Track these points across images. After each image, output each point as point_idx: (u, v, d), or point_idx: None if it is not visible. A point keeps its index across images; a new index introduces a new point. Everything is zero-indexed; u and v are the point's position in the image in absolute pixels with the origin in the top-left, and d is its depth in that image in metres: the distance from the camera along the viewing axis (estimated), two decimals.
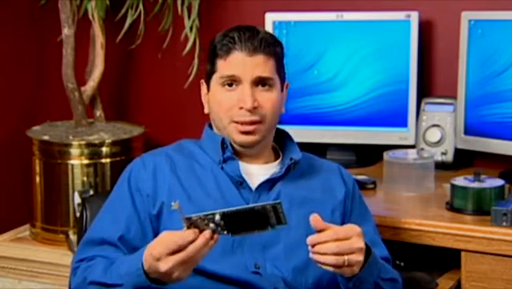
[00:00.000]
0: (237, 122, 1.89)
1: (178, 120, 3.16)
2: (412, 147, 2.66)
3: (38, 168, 2.84)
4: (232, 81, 1.90)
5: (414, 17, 2.70)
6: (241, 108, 1.88)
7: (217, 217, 1.62)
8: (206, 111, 1.98)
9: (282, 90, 1.96)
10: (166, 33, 3.00)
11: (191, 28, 2.91)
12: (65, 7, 2.86)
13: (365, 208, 2.03)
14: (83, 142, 2.80)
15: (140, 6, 2.98)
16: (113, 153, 2.81)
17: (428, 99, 2.75)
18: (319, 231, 1.68)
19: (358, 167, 2.72)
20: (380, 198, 2.45)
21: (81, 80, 2.95)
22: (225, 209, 1.63)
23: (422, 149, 2.61)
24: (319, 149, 2.75)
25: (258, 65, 1.88)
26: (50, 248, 2.80)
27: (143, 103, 3.24)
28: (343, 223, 1.92)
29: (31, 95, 3.29)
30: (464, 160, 2.72)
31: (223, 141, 1.91)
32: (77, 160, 2.79)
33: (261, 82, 1.90)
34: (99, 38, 2.93)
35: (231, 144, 1.91)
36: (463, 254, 2.17)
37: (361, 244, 1.71)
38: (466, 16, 2.60)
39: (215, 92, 1.93)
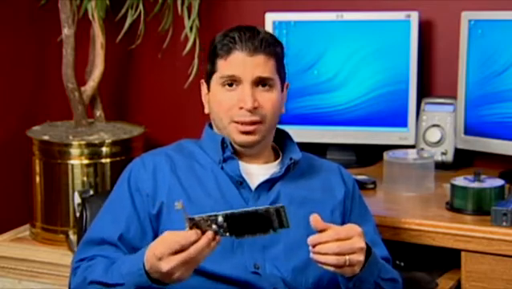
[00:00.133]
0: (237, 122, 1.89)
1: (178, 120, 3.16)
2: (412, 147, 2.66)
3: (38, 168, 2.84)
4: (232, 81, 1.90)
5: (414, 17, 2.70)
6: (241, 108, 1.88)
7: (220, 218, 1.62)
8: (206, 111, 1.98)
9: (282, 90, 1.96)
10: (166, 33, 3.00)
11: (191, 28, 2.91)
12: (65, 7, 2.86)
13: (365, 208, 2.03)
14: (83, 142, 2.80)
15: (140, 6, 2.98)
16: (113, 153, 2.81)
17: (428, 99, 2.75)
18: (320, 231, 1.68)
19: (358, 167, 2.72)
20: (380, 198, 2.45)
21: (81, 80, 2.95)
22: (228, 211, 1.63)
23: (422, 149, 2.61)
24: (319, 149, 2.75)
25: (258, 65, 1.88)
26: (50, 248, 2.80)
27: (143, 103, 3.24)
28: (343, 223, 1.92)
29: (31, 95, 3.29)
30: (464, 160, 2.72)
31: (223, 141, 1.91)
32: (77, 160, 2.79)
33: (261, 82, 1.90)
34: (99, 38, 2.93)
35: (231, 144, 1.91)
36: (463, 254, 2.17)
37: (362, 244, 1.71)
38: (466, 16, 2.60)
39: (215, 92, 1.93)
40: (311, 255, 1.68)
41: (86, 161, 2.79)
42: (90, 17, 2.92)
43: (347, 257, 1.67)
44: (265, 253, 1.84)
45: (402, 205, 2.39)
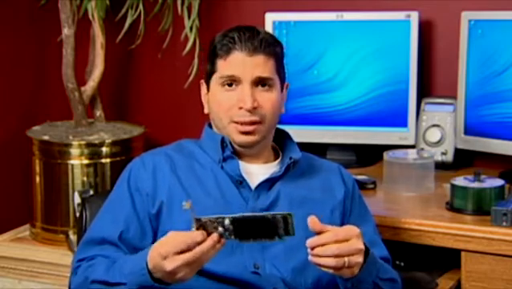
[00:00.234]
0: (236, 122, 1.89)
1: (178, 120, 3.16)
2: (412, 147, 2.66)
3: (38, 168, 2.84)
4: (232, 81, 1.90)
5: (414, 17, 2.70)
6: (240, 108, 1.88)
7: (227, 221, 1.63)
8: (206, 111, 1.98)
9: (281, 90, 1.96)
10: (166, 33, 3.00)
11: (191, 28, 2.91)
12: (65, 7, 2.86)
13: (365, 208, 2.03)
14: (83, 142, 2.80)
15: (140, 6, 2.98)
16: (113, 153, 2.81)
17: (428, 99, 2.75)
18: (318, 233, 1.68)
19: (358, 167, 2.72)
20: (380, 198, 2.45)
21: (81, 80, 2.95)
22: (236, 215, 1.64)
23: (422, 149, 2.61)
24: (319, 149, 2.75)
25: (257, 65, 1.88)
26: (50, 248, 2.80)
27: (143, 103, 3.24)
28: (342, 223, 1.93)
29: (31, 95, 3.29)
30: (464, 160, 2.72)
31: (223, 140, 1.91)
32: (77, 160, 2.79)
33: (260, 82, 1.90)
34: (99, 38, 2.93)
35: (231, 144, 1.91)
36: (463, 254, 2.17)
37: (360, 245, 1.71)
38: (466, 16, 2.60)
39: (215, 92, 1.93)
40: (310, 258, 1.67)
41: (86, 161, 2.79)
42: (90, 17, 2.92)
43: (346, 259, 1.67)
44: (264, 253, 1.84)
45: (402, 205, 2.39)
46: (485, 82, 2.58)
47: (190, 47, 2.92)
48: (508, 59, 2.52)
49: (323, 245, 1.66)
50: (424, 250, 2.28)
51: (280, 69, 1.94)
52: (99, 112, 3.03)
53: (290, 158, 1.94)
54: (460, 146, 2.67)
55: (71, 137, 2.84)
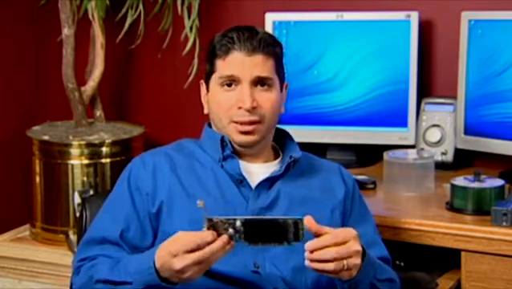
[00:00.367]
0: (236, 122, 1.89)
1: (178, 120, 3.16)
2: (412, 147, 2.66)
3: (38, 168, 2.84)
4: (231, 81, 1.90)
5: (414, 17, 2.70)
6: (240, 108, 1.88)
7: (238, 223, 1.64)
8: (206, 111, 1.98)
9: (281, 90, 1.96)
10: (166, 33, 3.00)
11: (191, 28, 2.91)
12: (65, 7, 2.86)
13: (365, 208, 2.03)
14: (83, 142, 2.80)
15: (140, 6, 2.98)
16: (113, 153, 2.81)
17: (428, 99, 2.75)
18: (315, 233, 1.68)
19: (358, 167, 2.72)
20: (380, 198, 2.45)
21: (81, 80, 2.95)
22: (247, 217, 1.66)
23: (422, 149, 2.61)
24: (319, 149, 2.75)
25: (257, 65, 1.88)
26: (50, 248, 2.80)
27: (143, 103, 3.24)
28: (343, 223, 1.93)
29: (31, 95, 3.29)
30: (464, 160, 2.72)
31: (222, 139, 1.91)
32: (77, 160, 2.79)
33: (260, 82, 1.90)
34: (99, 38, 2.93)
35: (230, 143, 1.91)
36: (463, 254, 2.17)
37: (358, 247, 1.71)
38: (466, 16, 2.60)
39: (214, 92, 1.93)
40: (306, 263, 1.67)
41: (86, 161, 2.79)
42: (90, 17, 2.92)
43: (344, 261, 1.67)
44: (265, 252, 1.84)
45: (402, 205, 2.39)
46: (485, 82, 2.58)
47: (190, 47, 2.93)
48: (508, 59, 2.52)
49: (322, 248, 1.66)
50: (424, 250, 2.27)
51: (279, 69, 1.94)
52: (99, 112, 3.03)
53: (291, 157, 1.94)
54: (460, 146, 2.67)
55: (71, 137, 2.84)
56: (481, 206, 2.21)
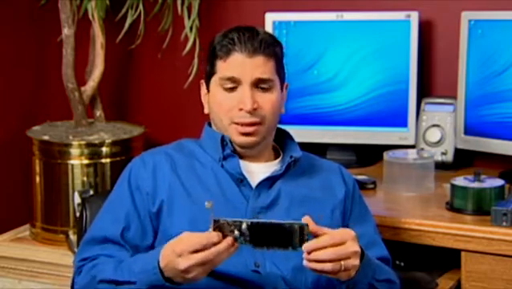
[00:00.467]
0: (237, 123, 1.89)
1: (178, 120, 3.16)
2: (412, 147, 2.66)
3: (38, 168, 2.84)
4: (232, 83, 1.90)
5: (414, 17, 2.70)
6: (241, 110, 1.88)
7: (244, 225, 1.64)
8: (206, 111, 1.98)
9: (281, 90, 1.96)
10: (166, 33, 3.00)
11: (191, 28, 2.91)
12: (65, 7, 2.86)
13: (365, 208, 2.03)
14: (83, 142, 2.80)
15: (140, 6, 2.98)
16: (113, 153, 2.81)
17: (428, 99, 2.75)
18: (313, 234, 1.68)
19: (358, 167, 2.72)
20: (380, 198, 2.45)
21: (81, 80, 2.95)
22: (254, 220, 1.66)
23: (422, 149, 2.61)
24: (319, 149, 2.75)
25: (257, 66, 1.88)
26: (50, 248, 2.79)
27: (143, 103, 3.24)
28: (343, 223, 1.93)
29: (31, 95, 3.29)
30: (464, 160, 2.72)
31: (223, 139, 1.91)
32: (77, 160, 2.79)
33: (260, 83, 1.90)
34: (99, 38, 2.93)
35: (231, 142, 1.91)
36: (463, 254, 2.17)
37: (356, 248, 1.71)
38: (466, 16, 2.60)
39: (215, 93, 1.93)
40: (304, 263, 1.67)
41: (86, 161, 2.79)
42: (90, 17, 2.92)
43: (342, 262, 1.67)
44: (265, 251, 1.84)
45: (402, 205, 2.39)
46: (485, 82, 2.58)
47: (190, 47, 2.93)
48: (508, 59, 2.52)
49: (319, 249, 1.66)
50: (424, 250, 2.27)
51: (280, 69, 1.94)
52: (99, 112, 3.03)
53: (291, 157, 1.94)
54: (460, 146, 2.67)
55: (71, 137, 2.84)
56: (481, 206, 2.21)
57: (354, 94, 2.78)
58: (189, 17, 2.92)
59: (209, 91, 1.96)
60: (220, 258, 1.65)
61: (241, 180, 1.90)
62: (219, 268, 1.79)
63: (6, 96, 3.18)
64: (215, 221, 1.65)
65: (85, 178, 2.78)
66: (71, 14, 2.87)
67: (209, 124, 2.00)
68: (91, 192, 2.68)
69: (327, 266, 1.66)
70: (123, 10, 3.01)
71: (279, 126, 2.00)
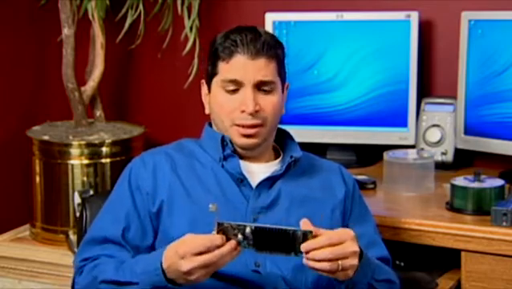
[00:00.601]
0: (238, 125, 1.89)
1: (178, 120, 3.16)
2: (412, 147, 2.66)
3: (38, 168, 2.84)
4: (234, 85, 1.89)
5: (414, 17, 2.70)
6: (242, 112, 1.88)
7: (248, 229, 1.65)
8: (207, 111, 1.98)
9: (282, 91, 1.96)
10: (166, 33, 3.00)
11: (191, 28, 2.91)
12: (65, 7, 2.86)
13: (365, 208, 2.03)
14: (83, 142, 2.80)
15: (140, 6, 2.98)
16: (113, 153, 2.81)
17: (428, 99, 2.75)
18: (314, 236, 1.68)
19: (358, 167, 2.72)
20: (380, 198, 2.45)
21: (81, 80, 2.95)
22: (258, 224, 1.67)
23: (422, 149, 2.61)
24: (319, 149, 2.75)
25: (260, 69, 1.88)
26: (50, 248, 2.79)
27: (143, 103, 3.24)
28: (343, 222, 1.93)
29: (31, 95, 3.29)
30: (464, 160, 2.72)
31: (223, 139, 1.91)
32: (77, 160, 2.79)
33: (262, 85, 1.90)
34: (99, 38, 2.93)
35: (231, 142, 1.91)
36: (463, 254, 2.17)
37: (355, 248, 1.70)
38: (466, 16, 2.60)
39: (216, 94, 1.92)
40: (304, 261, 1.67)
41: (86, 161, 2.79)
42: (90, 17, 2.92)
43: (339, 262, 1.67)
44: None
45: (402, 205, 2.39)
46: (485, 82, 2.58)
47: (190, 47, 2.93)
48: (508, 59, 2.52)
49: (317, 249, 1.66)
50: (424, 250, 2.27)
51: (281, 70, 1.94)
52: (99, 112, 3.03)
53: (291, 157, 1.94)
54: (460, 146, 2.67)
55: (71, 137, 2.84)
56: (481, 206, 2.21)
57: (354, 94, 2.78)
58: (189, 17, 2.92)
59: (210, 91, 1.96)
60: (223, 260, 1.66)
61: (241, 180, 1.90)
62: None
63: (6, 96, 3.18)
64: (219, 224, 1.65)
65: (85, 178, 2.78)
66: (71, 14, 2.87)
67: (210, 124, 2.00)
68: (91, 192, 2.68)
69: (324, 265, 1.66)
70: (123, 10, 3.01)
71: (279, 126, 2.00)
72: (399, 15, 2.72)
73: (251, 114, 1.87)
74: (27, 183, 2.90)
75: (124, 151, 2.83)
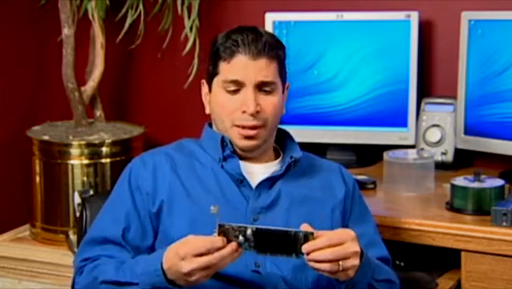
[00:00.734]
0: (238, 126, 1.89)
1: (178, 120, 3.16)
2: (412, 147, 2.66)
3: (38, 168, 2.84)
4: (235, 85, 1.89)
5: (414, 17, 2.70)
6: (243, 112, 1.88)
7: (249, 231, 1.65)
8: (207, 111, 1.98)
9: (283, 92, 1.96)
10: (166, 33, 3.00)
11: (191, 28, 2.91)
12: (65, 7, 2.86)
13: (365, 208, 2.03)
14: (83, 142, 2.80)
15: (140, 6, 2.98)
16: (113, 153, 2.81)
17: (428, 99, 2.75)
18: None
19: (358, 167, 2.72)
20: (380, 198, 2.45)
21: (81, 80, 2.95)
22: (259, 226, 1.66)
23: (422, 149, 2.61)
24: (319, 149, 2.75)
25: (261, 69, 1.88)
26: (50, 248, 2.79)
27: (143, 103, 3.24)
28: (343, 222, 1.93)
29: (31, 95, 3.29)
30: (464, 160, 2.72)
31: (223, 139, 1.91)
32: (77, 160, 2.79)
33: (263, 86, 1.89)
34: (99, 38, 2.93)
35: (231, 142, 1.91)
36: (463, 254, 2.17)
37: (356, 248, 1.70)
38: (466, 16, 2.60)
39: (217, 94, 1.92)
40: (307, 262, 1.67)
41: (86, 161, 2.79)
42: (90, 17, 2.92)
43: (340, 262, 1.67)
44: None
45: (402, 205, 2.39)
46: (485, 82, 2.58)
47: (190, 47, 2.92)
48: (508, 59, 2.52)
49: (318, 250, 1.66)
50: (424, 250, 2.27)
51: (282, 71, 1.94)
52: (99, 112, 3.03)
53: (291, 157, 1.94)
54: (460, 146, 2.67)
55: (71, 137, 2.84)
56: (481, 206, 2.21)
57: (354, 94, 2.78)
58: (189, 17, 2.92)
59: (210, 91, 1.95)
60: (223, 262, 1.66)
61: (241, 180, 1.90)
62: None
63: (6, 96, 3.18)
64: (220, 226, 1.65)
65: (85, 178, 2.78)
66: (71, 14, 2.87)
67: (210, 125, 2.00)
68: (91, 192, 2.68)
69: (325, 266, 1.66)
70: (123, 10, 3.01)
71: (279, 126, 2.00)
72: (399, 15, 2.72)
73: (252, 115, 1.87)
74: (27, 183, 2.90)
75: (124, 151, 2.83)
